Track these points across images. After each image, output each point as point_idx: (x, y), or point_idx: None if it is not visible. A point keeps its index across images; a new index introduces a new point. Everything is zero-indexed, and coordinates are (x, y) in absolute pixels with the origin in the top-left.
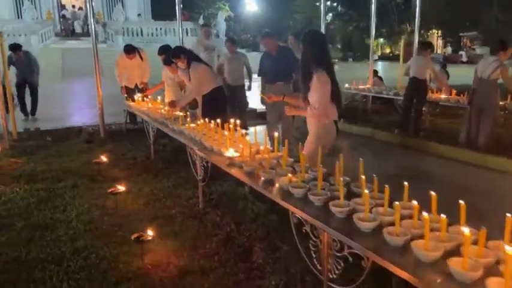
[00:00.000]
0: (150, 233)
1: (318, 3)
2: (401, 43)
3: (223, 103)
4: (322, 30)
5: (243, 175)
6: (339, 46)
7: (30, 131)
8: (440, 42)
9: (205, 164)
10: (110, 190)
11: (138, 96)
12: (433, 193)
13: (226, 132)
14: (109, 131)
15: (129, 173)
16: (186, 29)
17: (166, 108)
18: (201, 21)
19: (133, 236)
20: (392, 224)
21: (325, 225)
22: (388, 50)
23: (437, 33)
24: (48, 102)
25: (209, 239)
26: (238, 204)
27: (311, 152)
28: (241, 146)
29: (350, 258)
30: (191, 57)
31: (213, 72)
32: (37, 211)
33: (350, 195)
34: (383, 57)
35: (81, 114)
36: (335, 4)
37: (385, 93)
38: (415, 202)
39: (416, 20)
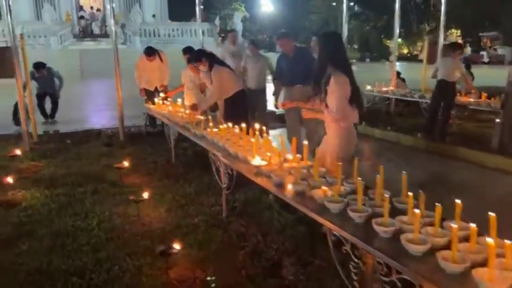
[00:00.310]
0: (176, 246)
1: (334, 4)
2: (425, 43)
3: (245, 107)
4: (345, 30)
5: (272, 186)
6: (356, 46)
7: (50, 134)
8: (459, 42)
9: (230, 172)
10: (131, 197)
11: (158, 98)
12: (492, 214)
13: (252, 139)
14: (128, 134)
15: (150, 178)
16: (203, 30)
17: (187, 111)
18: (217, 21)
19: (159, 250)
20: (445, 246)
21: (369, 246)
22: (405, 51)
23: (456, 33)
24: (67, 104)
25: (235, 251)
26: (263, 213)
27: (336, 159)
28: (268, 154)
29: (399, 284)
30: (213, 60)
31: (235, 75)
32: (58, 218)
33: (394, 211)
34: (401, 58)
35: (99, 116)
36: (351, 4)
37: (409, 96)
38: (473, 225)
39: (442, 19)
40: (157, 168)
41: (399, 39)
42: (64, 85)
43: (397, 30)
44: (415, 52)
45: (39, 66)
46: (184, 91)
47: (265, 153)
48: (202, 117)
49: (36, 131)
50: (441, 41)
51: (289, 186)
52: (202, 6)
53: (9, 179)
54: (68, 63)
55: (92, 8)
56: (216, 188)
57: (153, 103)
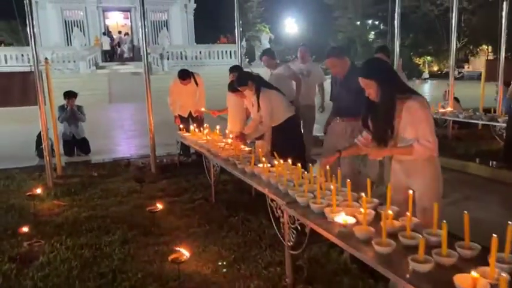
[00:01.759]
0: None
1: (358, 22)
2: (483, 59)
3: (298, 135)
4: (396, 47)
5: (373, 258)
6: None
7: (75, 164)
8: (491, 57)
9: (298, 227)
10: (171, 258)
11: (193, 126)
12: None
13: (331, 185)
14: (160, 165)
15: (188, 222)
16: (230, 52)
17: (228, 140)
18: (244, 43)
19: None
20: None
21: None
22: (436, 68)
23: (487, 49)
24: (94, 130)
25: None
26: (339, 279)
27: (435, 203)
28: (361, 209)
29: None
30: (260, 83)
31: (286, 99)
32: (80, 282)
33: None
34: (432, 75)
35: (128, 143)
36: (376, 22)
37: (474, 118)
38: None
39: (503, 35)
40: (196, 209)
41: (428, 57)
42: (93, 109)
43: (453, 47)
44: (446, 69)
45: (70, 94)
46: (228, 115)
47: (351, 206)
48: (248, 148)
49: (61, 162)
50: (503, 57)
51: (412, 266)
52: (241, 29)
53: (26, 228)
54: (96, 87)
55: (119, 32)
56: (271, 238)
57: (188, 130)
